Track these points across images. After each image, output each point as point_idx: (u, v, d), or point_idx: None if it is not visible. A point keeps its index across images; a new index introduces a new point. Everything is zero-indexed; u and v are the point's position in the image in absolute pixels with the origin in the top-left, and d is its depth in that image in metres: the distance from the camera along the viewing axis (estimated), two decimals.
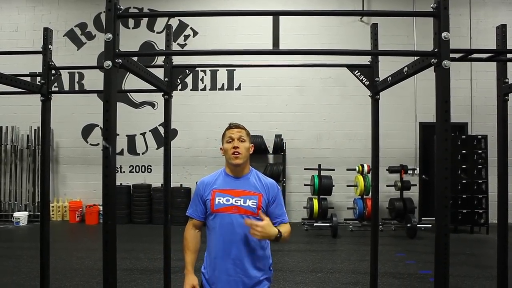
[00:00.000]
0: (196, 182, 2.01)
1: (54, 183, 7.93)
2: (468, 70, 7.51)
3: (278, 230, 1.80)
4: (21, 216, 7.36)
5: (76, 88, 7.78)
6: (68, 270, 4.54)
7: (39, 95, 3.05)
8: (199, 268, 1.96)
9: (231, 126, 1.97)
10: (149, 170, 7.87)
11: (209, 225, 1.92)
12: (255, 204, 1.86)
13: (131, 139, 7.89)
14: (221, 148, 1.98)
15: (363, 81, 2.82)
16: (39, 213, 5.26)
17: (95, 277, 4.21)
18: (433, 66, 1.84)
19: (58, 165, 7.98)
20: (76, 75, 7.86)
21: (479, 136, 6.71)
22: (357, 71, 2.81)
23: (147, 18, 7.90)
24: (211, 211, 1.89)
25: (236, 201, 1.86)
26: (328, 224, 6.56)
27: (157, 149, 7.80)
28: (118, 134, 7.69)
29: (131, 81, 7.40)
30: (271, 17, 2.10)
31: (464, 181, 6.57)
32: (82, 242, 6.22)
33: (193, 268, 1.93)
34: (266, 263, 1.95)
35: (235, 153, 1.89)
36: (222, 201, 1.87)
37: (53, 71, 3.18)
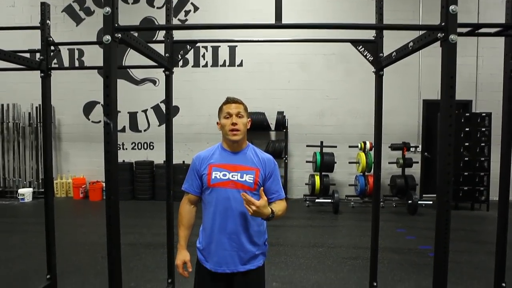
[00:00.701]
0: (192, 157, 2.00)
1: (57, 160, 7.98)
2: (474, 46, 7.36)
3: (272, 211, 1.76)
4: (26, 193, 7.45)
5: (76, 65, 7.70)
6: (73, 244, 4.63)
7: (39, 72, 3.02)
8: (193, 243, 1.97)
9: (229, 101, 1.92)
10: (151, 147, 7.89)
11: (205, 200, 1.91)
12: (252, 179, 1.85)
13: (132, 116, 7.87)
14: (217, 123, 1.96)
15: (367, 57, 2.76)
16: (43, 190, 5.32)
17: (100, 252, 4.29)
18: (439, 41, 1.79)
19: (60, 142, 8.01)
20: (76, 52, 7.76)
21: (483, 114, 6.65)
22: (361, 46, 2.75)
23: None
24: (207, 186, 1.87)
25: (233, 176, 1.84)
26: (330, 201, 6.62)
27: (159, 126, 7.80)
28: (120, 111, 7.73)
29: (131, 58, 7.31)
30: None
31: (466, 158, 6.56)
32: (86, 217, 6.32)
33: (186, 243, 1.94)
34: (262, 238, 1.95)
35: (234, 130, 1.86)
36: (219, 175, 1.85)
37: (52, 47, 3.14)
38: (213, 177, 1.86)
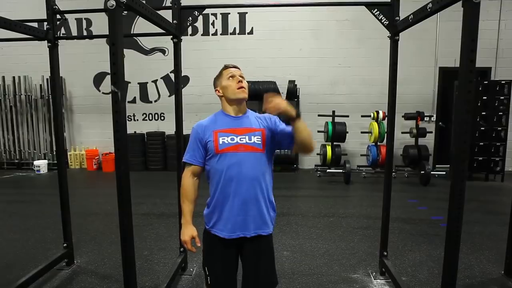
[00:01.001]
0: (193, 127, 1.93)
1: (70, 132, 8.08)
2: (497, 9, 7.00)
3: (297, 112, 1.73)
4: (41, 165, 7.60)
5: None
6: (88, 214, 4.75)
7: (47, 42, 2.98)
8: (196, 214, 1.91)
9: (228, 66, 1.92)
10: (162, 118, 7.90)
11: (213, 169, 1.83)
12: (260, 140, 1.81)
13: (143, 86, 7.84)
14: (217, 90, 1.91)
15: (383, 21, 2.64)
16: None
17: (114, 221, 4.36)
18: (460, 1, 1.68)
19: (72, 114, 8.07)
20: (84, 22, 7.66)
21: (502, 82, 6.42)
22: (376, 9, 2.62)
23: None
24: (215, 153, 1.80)
25: (241, 139, 1.79)
26: (341, 171, 6.59)
27: (169, 96, 7.76)
28: (130, 82, 7.72)
29: (140, 27, 7.20)
30: None
31: (483, 128, 6.40)
32: (100, 188, 6.45)
33: (192, 218, 1.88)
34: (273, 204, 1.92)
35: (241, 87, 1.84)
36: (227, 140, 1.79)
37: (58, 16, 3.08)
38: (220, 142, 1.80)
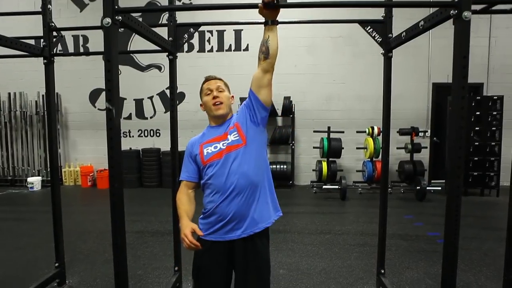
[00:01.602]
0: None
1: (64, 149, 8.03)
2: (487, 26, 7.14)
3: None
4: (35, 181, 7.51)
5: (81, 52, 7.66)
6: (82, 232, 4.67)
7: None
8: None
9: (208, 79, 1.95)
10: (157, 134, 7.88)
11: (206, 178, 1.82)
12: (237, 135, 1.81)
13: (138, 103, 7.85)
14: (201, 105, 1.96)
15: (376, 38, 2.68)
16: None
17: (107, 239, 4.28)
18: (452, 19, 1.71)
19: (67, 130, 8.03)
20: (81, 39, 7.71)
21: (494, 97, 6.49)
22: (369, 27, 2.66)
23: None
24: (203, 165, 1.82)
25: (223, 144, 1.81)
26: (337, 187, 6.57)
27: (165, 113, 7.77)
28: (126, 98, 7.73)
29: (136, 44, 7.25)
30: None
31: (477, 143, 6.45)
32: (94, 205, 6.37)
33: (190, 218, 1.80)
34: (274, 201, 1.89)
35: (216, 103, 1.86)
36: (211, 149, 1.82)
37: (55, 33, 3.10)
38: (205, 153, 1.83)
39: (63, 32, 3.24)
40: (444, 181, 6.98)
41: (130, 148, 7.67)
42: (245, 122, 1.83)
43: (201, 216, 1.87)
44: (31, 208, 6.24)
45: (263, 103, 1.82)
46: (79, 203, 6.58)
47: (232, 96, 1.97)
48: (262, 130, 1.86)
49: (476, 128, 6.45)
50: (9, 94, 7.78)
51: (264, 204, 1.82)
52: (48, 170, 7.74)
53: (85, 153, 7.99)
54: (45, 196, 6.96)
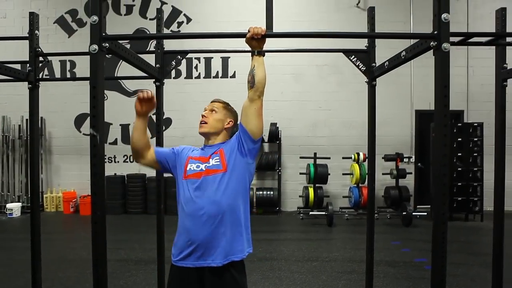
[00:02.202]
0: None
1: (47, 174, 7.85)
2: (464, 57, 7.44)
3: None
4: (14, 208, 7.28)
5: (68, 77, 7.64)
6: (62, 261, 4.50)
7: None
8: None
9: (212, 101, 2.01)
10: None
11: (181, 194, 1.83)
12: (218, 160, 1.81)
13: (125, 128, 7.80)
14: None
15: (360, 67, 2.75)
16: None
17: (89, 268, 4.12)
18: (432, 50, 1.77)
19: (51, 155, 7.88)
20: (68, 64, 7.70)
21: (475, 124, 6.68)
22: (353, 56, 2.74)
23: (139, 5, 7.72)
24: (182, 178, 1.84)
25: (206, 166, 1.82)
26: (324, 213, 6.55)
27: (151, 138, 7.67)
28: (112, 124, 7.68)
29: (124, 69, 7.27)
30: (265, 3, 2.02)
31: (460, 169, 6.56)
32: (76, 233, 6.18)
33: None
34: (248, 236, 1.84)
35: (201, 121, 1.91)
36: (193, 167, 1.84)
37: (41, 58, 3.09)
38: (188, 168, 1.85)
39: (50, 57, 3.24)
40: (429, 206, 7.03)
41: (115, 174, 7.55)
42: (231, 151, 1.83)
43: (174, 241, 1.86)
44: (9, 236, 6.01)
45: (250, 135, 1.80)
46: (60, 230, 6.38)
47: (230, 122, 1.95)
48: (249, 162, 1.83)
49: (459, 154, 6.59)
50: None
51: (238, 236, 1.78)
52: (29, 196, 7.52)
53: (69, 179, 7.82)
54: (24, 223, 6.73)
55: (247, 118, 1.81)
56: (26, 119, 7.53)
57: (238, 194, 1.79)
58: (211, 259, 1.73)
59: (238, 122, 1.90)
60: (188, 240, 1.75)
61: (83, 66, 7.50)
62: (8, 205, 7.29)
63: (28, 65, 2.96)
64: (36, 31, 2.96)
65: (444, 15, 1.67)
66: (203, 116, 1.91)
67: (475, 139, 6.62)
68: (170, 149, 1.99)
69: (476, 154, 6.59)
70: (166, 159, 1.95)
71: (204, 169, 1.81)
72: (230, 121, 1.96)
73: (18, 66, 3.08)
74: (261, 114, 1.84)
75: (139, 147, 1.92)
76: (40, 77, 3.06)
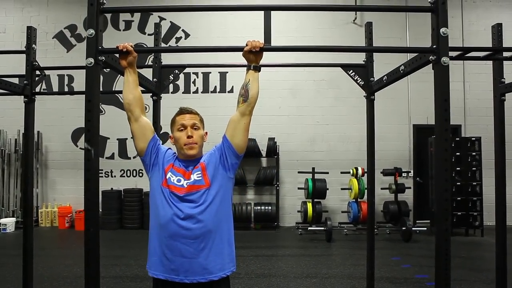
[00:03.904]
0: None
1: (43, 188, 7.76)
2: (460, 72, 7.50)
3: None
4: (8, 223, 7.16)
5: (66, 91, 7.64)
6: (55, 278, 4.40)
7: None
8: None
9: (183, 111, 1.82)
10: (140, 174, 7.72)
11: (158, 200, 1.72)
12: (200, 175, 1.72)
13: (122, 142, 7.76)
14: (170, 137, 1.84)
15: (358, 81, 2.75)
16: None
17: (82, 286, 4.07)
18: (430, 65, 1.77)
19: (47, 169, 7.81)
20: (66, 78, 7.71)
21: (473, 138, 6.68)
22: (351, 71, 2.74)
23: (138, 20, 7.78)
24: (162, 184, 1.73)
25: (186, 183, 1.71)
26: (323, 228, 6.47)
27: None
28: (109, 138, 7.64)
29: (122, 84, 7.28)
30: (263, 18, 2.02)
31: (459, 183, 6.53)
32: (71, 248, 6.06)
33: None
34: (232, 253, 1.77)
35: (189, 143, 1.75)
36: (174, 179, 1.72)
37: (38, 72, 3.08)
38: (168, 177, 1.73)
39: (47, 71, 3.23)
40: (429, 221, 6.97)
41: (112, 189, 7.47)
42: (213, 165, 1.76)
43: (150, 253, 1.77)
44: (2, 252, 5.88)
45: (236, 150, 1.75)
46: (54, 245, 6.27)
47: (206, 133, 1.86)
48: (230, 177, 1.78)
49: (457, 168, 6.56)
50: None
51: (218, 254, 1.70)
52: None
53: (64, 193, 7.72)
54: (18, 238, 6.57)
55: (235, 131, 1.76)
56: (22, 133, 7.47)
57: (222, 210, 1.73)
58: (184, 275, 1.66)
59: (223, 137, 1.80)
60: (168, 259, 1.68)
61: (81, 81, 7.43)
62: (2, 220, 7.18)
63: (25, 78, 2.95)
64: (34, 45, 2.96)
65: (442, 29, 1.67)
66: (190, 136, 1.74)
67: (473, 153, 6.60)
68: (156, 139, 1.86)
69: (474, 168, 6.57)
70: (157, 152, 1.80)
71: (185, 185, 1.71)
72: (206, 132, 1.87)
73: (16, 80, 3.08)
74: (248, 129, 1.80)
75: (131, 101, 1.78)
76: (37, 91, 3.04)
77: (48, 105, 7.32)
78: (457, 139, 6.73)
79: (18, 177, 7.57)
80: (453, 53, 2.57)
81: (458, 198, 6.50)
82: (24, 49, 2.97)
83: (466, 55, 2.70)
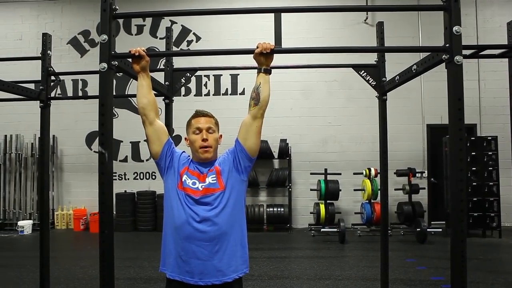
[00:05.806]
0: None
1: (58, 191, 7.90)
2: (475, 70, 7.36)
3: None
4: (26, 225, 7.31)
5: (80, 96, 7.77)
6: (71, 279, 4.46)
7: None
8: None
9: (198, 114, 1.84)
10: (153, 177, 7.79)
11: (175, 207, 1.73)
12: (215, 179, 1.74)
13: (135, 146, 7.84)
14: (186, 139, 1.86)
15: (370, 82, 2.73)
16: None
17: (98, 287, 4.12)
18: (444, 63, 1.74)
19: (62, 173, 7.95)
20: (80, 83, 7.85)
21: (489, 137, 6.54)
22: (363, 71, 2.72)
23: (149, 25, 7.87)
24: (177, 187, 1.75)
25: (202, 186, 1.74)
26: (336, 230, 6.42)
27: None
28: (122, 141, 7.73)
29: (134, 87, 7.37)
30: (274, 20, 2.03)
31: (475, 183, 6.41)
32: (86, 250, 6.15)
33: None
34: (245, 255, 1.78)
35: (204, 147, 1.77)
36: (189, 182, 1.75)
37: (53, 77, 3.14)
38: (183, 179, 1.75)
39: (62, 76, 3.30)
40: (444, 222, 6.85)
41: (125, 191, 7.56)
42: (227, 168, 1.77)
43: (165, 255, 1.79)
44: (19, 254, 6.01)
45: (248, 153, 1.77)
46: (70, 247, 6.37)
47: (221, 136, 1.89)
48: (244, 180, 1.80)
49: (473, 168, 6.43)
50: (5, 136, 7.77)
51: (232, 256, 1.72)
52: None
53: (79, 196, 7.85)
54: (35, 240, 6.71)
55: (247, 135, 1.77)
56: (38, 137, 7.63)
57: (236, 213, 1.75)
58: (198, 277, 1.68)
59: (235, 141, 1.81)
60: (183, 261, 1.69)
61: (94, 85, 7.61)
62: (20, 223, 7.33)
63: (40, 84, 3.01)
64: (49, 51, 3.02)
65: (455, 28, 1.65)
66: (205, 139, 1.76)
67: (490, 152, 6.46)
68: (172, 144, 1.87)
69: (491, 168, 6.43)
70: (172, 155, 1.81)
71: (200, 188, 1.73)
72: (220, 135, 1.89)
73: (32, 86, 3.14)
74: (260, 132, 1.81)
75: (146, 105, 1.79)
76: (52, 96, 3.10)
77: (63, 109, 7.45)
78: (472, 138, 6.60)
79: (34, 180, 7.72)
80: (467, 51, 2.53)
81: (475, 199, 6.38)
82: (40, 55, 3.04)
83: (481, 53, 2.65)
